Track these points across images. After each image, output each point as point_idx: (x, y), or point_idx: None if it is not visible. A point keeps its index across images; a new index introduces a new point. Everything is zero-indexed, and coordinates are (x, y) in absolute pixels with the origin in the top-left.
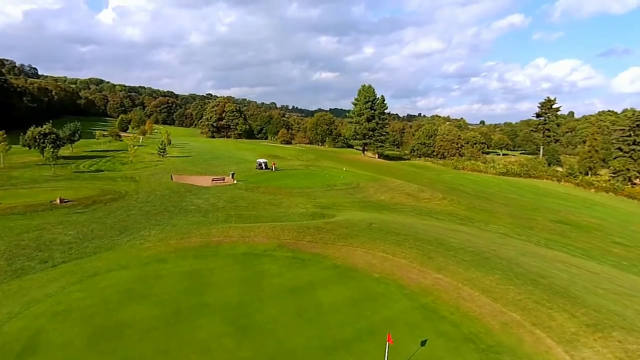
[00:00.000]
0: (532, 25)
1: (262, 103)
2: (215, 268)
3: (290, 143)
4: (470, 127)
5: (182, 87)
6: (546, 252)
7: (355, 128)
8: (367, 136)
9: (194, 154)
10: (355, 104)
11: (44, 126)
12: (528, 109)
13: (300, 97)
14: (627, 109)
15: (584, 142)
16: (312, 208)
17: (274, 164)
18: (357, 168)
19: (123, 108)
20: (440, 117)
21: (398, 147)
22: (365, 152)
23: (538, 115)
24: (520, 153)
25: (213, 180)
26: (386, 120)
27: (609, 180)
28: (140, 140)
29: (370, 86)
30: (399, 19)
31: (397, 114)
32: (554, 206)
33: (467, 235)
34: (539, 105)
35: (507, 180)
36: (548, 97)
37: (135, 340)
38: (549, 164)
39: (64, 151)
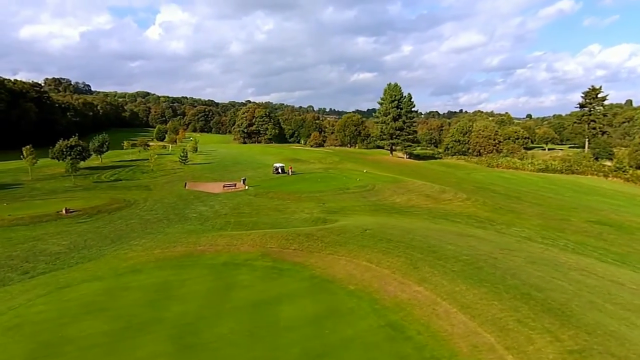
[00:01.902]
0: (582, 11)
1: (300, 107)
2: (188, 279)
3: (323, 146)
4: (515, 121)
5: (224, 96)
6: (567, 258)
7: (382, 128)
8: (395, 136)
9: (217, 161)
10: (381, 103)
11: (71, 139)
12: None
13: (338, 99)
14: None
15: None
16: (317, 213)
17: (290, 168)
18: (381, 169)
19: (164, 118)
20: (482, 112)
21: (436, 146)
22: (393, 152)
23: (582, 106)
24: (569, 147)
25: (224, 187)
26: (414, 119)
27: None
28: (170, 149)
29: (396, 84)
30: (436, 15)
31: (437, 111)
32: (595, 205)
33: (475, 240)
34: (583, 95)
35: (546, 178)
36: (592, 86)
37: (72, 357)
38: (596, 158)
39: (93, 162)
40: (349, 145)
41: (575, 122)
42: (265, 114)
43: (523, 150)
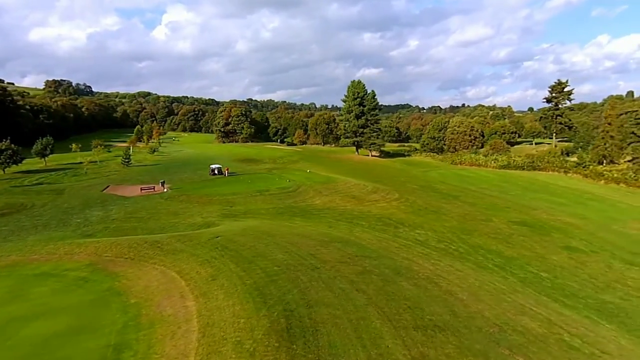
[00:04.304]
0: (591, 1)
1: (302, 104)
2: None
3: (305, 144)
4: (516, 115)
5: (230, 94)
6: (430, 265)
7: (345, 126)
8: (358, 134)
9: (168, 162)
10: (344, 101)
11: (2, 142)
12: (589, 91)
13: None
14: None
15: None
16: (212, 217)
17: (227, 170)
18: (330, 169)
19: (153, 118)
20: (484, 106)
21: None
22: (359, 150)
23: (548, 101)
24: (559, 141)
25: (142, 190)
26: (377, 117)
27: (624, 169)
28: (132, 150)
29: (359, 82)
30: (442, 9)
31: (439, 106)
32: (533, 203)
33: (335, 247)
34: (549, 89)
35: (503, 175)
36: (559, 80)
37: None
38: (567, 154)
39: (37, 165)
40: (322, 144)
41: (541, 117)
42: (242, 113)
43: (507, 145)
